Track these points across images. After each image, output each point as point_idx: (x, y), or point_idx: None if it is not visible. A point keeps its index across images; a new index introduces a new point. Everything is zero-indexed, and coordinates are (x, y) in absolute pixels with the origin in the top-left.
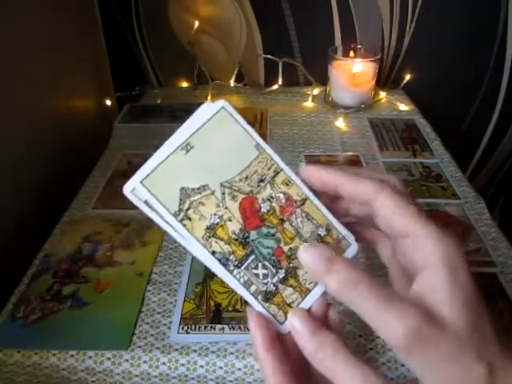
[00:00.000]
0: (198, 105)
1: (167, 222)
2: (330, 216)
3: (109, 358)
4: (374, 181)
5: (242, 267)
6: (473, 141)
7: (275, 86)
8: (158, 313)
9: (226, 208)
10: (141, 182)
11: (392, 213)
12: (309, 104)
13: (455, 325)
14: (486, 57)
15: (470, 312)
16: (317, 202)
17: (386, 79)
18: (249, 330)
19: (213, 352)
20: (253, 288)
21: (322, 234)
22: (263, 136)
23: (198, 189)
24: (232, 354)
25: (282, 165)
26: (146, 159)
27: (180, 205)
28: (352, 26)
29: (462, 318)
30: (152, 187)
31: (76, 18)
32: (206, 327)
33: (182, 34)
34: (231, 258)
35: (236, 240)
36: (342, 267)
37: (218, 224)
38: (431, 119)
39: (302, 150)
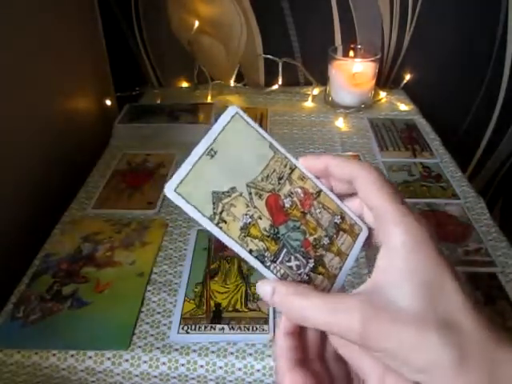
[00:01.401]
0: (199, 105)
1: (206, 227)
2: (341, 205)
3: (109, 358)
4: (358, 162)
5: (277, 261)
6: (473, 141)
7: (275, 86)
8: (158, 313)
9: (255, 207)
10: (175, 190)
11: (369, 189)
12: (309, 104)
13: (408, 310)
14: (486, 57)
15: (425, 295)
16: (329, 192)
17: (385, 79)
18: (248, 330)
19: (213, 352)
20: (289, 280)
21: (338, 222)
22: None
23: (228, 192)
24: (232, 354)
25: (294, 161)
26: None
27: (214, 208)
28: (352, 26)
29: (415, 301)
30: (186, 194)
31: (76, 17)
32: (206, 327)
33: (181, 34)
34: (266, 254)
35: (268, 236)
36: (279, 296)
37: (250, 223)
38: (431, 119)
39: (302, 149)
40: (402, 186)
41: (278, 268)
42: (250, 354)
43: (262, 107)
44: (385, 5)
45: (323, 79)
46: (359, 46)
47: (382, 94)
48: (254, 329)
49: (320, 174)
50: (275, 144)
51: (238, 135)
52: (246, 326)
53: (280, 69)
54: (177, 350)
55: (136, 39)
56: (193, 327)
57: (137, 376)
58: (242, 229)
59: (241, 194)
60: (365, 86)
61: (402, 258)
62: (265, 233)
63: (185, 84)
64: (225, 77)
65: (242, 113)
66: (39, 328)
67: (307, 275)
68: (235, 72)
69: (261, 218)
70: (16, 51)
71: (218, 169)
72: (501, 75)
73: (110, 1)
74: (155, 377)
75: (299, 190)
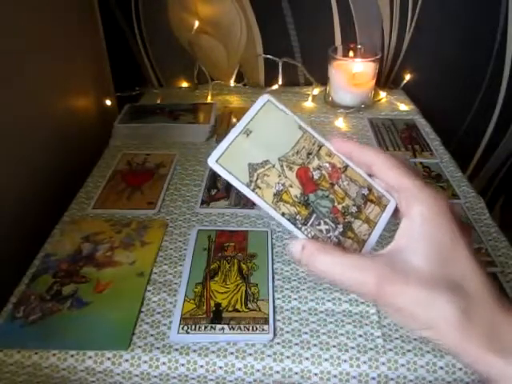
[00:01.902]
0: (199, 105)
1: (243, 192)
2: (368, 178)
3: (109, 358)
4: (376, 149)
5: (308, 224)
6: (473, 141)
7: (275, 86)
8: (158, 313)
9: (286, 177)
10: (216, 161)
11: (387, 172)
12: (309, 104)
13: (421, 271)
14: (486, 57)
15: (438, 258)
16: (355, 167)
17: (385, 79)
18: (248, 330)
19: (213, 352)
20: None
21: (366, 193)
22: None
23: (261, 163)
24: (232, 353)
25: (322, 140)
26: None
27: (250, 177)
28: (352, 26)
29: (428, 263)
30: (226, 165)
31: (76, 17)
32: (206, 327)
33: (181, 34)
34: (298, 217)
35: (299, 202)
36: (308, 251)
37: (282, 190)
38: (431, 119)
39: None
40: None
41: (308, 230)
42: (250, 354)
43: None
44: (385, 5)
45: (323, 79)
46: (359, 46)
47: (382, 94)
48: (254, 329)
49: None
50: (304, 125)
51: (270, 118)
52: (246, 325)
53: (280, 69)
54: (177, 349)
55: (136, 39)
56: (193, 327)
57: (137, 376)
58: (275, 195)
59: (273, 166)
60: (365, 86)
61: (419, 225)
62: (296, 199)
63: (185, 84)
64: (225, 77)
65: (273, 100)
66: (39, 328)
67: (337, 238)
68: (235, 72)
69: (292, 187)
70: (16, 51)
71: (252, 145)
72: (501, 75)
73: (110, 1)
74: (155, 377)
75: (327, 165)
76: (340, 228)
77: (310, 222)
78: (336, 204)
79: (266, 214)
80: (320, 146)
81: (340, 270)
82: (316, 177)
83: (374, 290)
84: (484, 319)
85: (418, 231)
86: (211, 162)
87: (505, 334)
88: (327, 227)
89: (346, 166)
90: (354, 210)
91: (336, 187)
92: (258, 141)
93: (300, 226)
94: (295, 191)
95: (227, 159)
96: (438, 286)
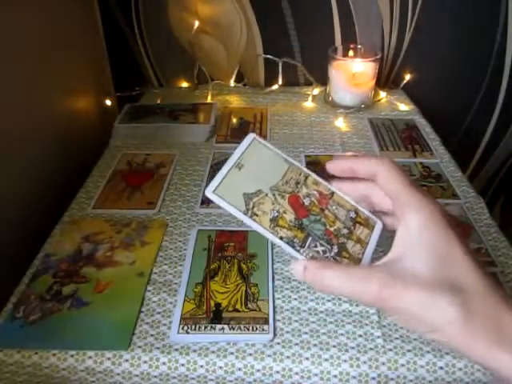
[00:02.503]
0: (199, 105)
1: (241, 219)
2: (354, 203)
3: (109, 358)
4: (376, 159)
5: (306, 246)
6: (473, 141)
7: (275, 86)
8: (158, 313)
9: (280, 204)
10: (213, 191)
11: (387, 180)
12: (309, 104)
13: (420, 276)
14: (486, 57)
15: (436, 262)
16: (341, 193)
17: (385, 79)
18: (248, 330)
19: (213, 352)
20: None
21: (354, 216)
22: (263, 136)
23: (255, 193)
24: (232, 353)
25: (307, 171)
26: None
27: (246, 205)
28: (352, 26)
29: (426, 268)
30: (223, 195)
31: (76, 17)
32: (206, 327)
33: (181, 34)
34: (295, 240)
35: (294, 226)
36: (311, 271)
37: (277, 216)
38: (431, 119)
39: (302, 150)
40: None
41: (307, 252)
42: (250, 354)
43: (262, 107)
44: (385, 5)
45: (323, 79)
46: (359, 46)
47: (382, 94)
48: (254, 329)
49: (346, 173)
50: (289, 159)
51: (258, 154)
52: (246, 325)
53: (280, 69)
54: (177, 349)
55: (136, 39)
56: (193, 327)
57: (137, 376)
58: (271, 220)
59: (266, 195)
60: (365, 85)
61: (415, 232)
62: (291, 223)
63: (185, 84)
64: (225, 77)
65: (258, 138)
66: (39, 328)
67: (334, 259)
68: (235, 72)
69: (286, 213)
70: (16, 51)
71: (245, 177)
72: (501, 75)
73: (110, 1)
74: (155, 377)
75: (315, 192)
76: (335, 249)
77: (307, 244)
78: (328, 227)
79: (265, 238)
80: (306, 176)
81: (342, 282)
82: (307, 203)
83: (376, 297)
84: (487, 316)
85: (414, 238)
86: (209, 192)
87: (509, 329)
88: (323, 248)
89: (333, 193)
90: (345, 231)
91: (326, 212)
92: (250, 173)
93: (298, 248)
94: (289, 216)
95: (223, 190)
96: (438, 288)
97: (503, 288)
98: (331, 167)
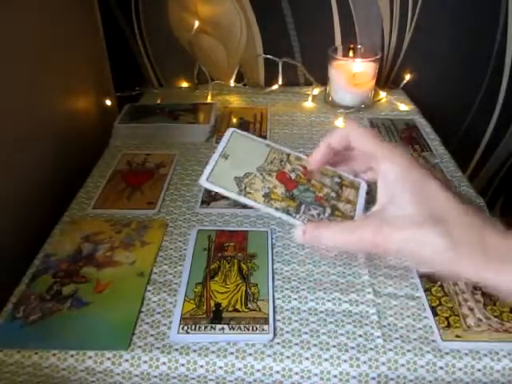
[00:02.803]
0: (199, 105)
1: (237, 200)
2: (335, 170)
3: (109, 358)
4: (342, 128)
5: (301, 212)
6: (473, 141)
7: (275, 86)
8: (158, 313)
9: (269, 181)
10: (207, 180)
11: (362, 141)
12: (309, 104)
13: (408, 216)
14: (486, 57)
15: (419, 203)
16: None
17: (385, 79)
18: (248, 330)
19: (213, 352)
20: None
21: (339, 181)
22: (263, 136)
23: (245, 175)
24: (232, 353)
25: (288, 150)
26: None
27: (239, 187)
28: (352, 26)
29: (410, 208)
30: (216, 182)
31: (76, 17)
32: (206, 327)
33: (181, 34)
34: (290, 209)
35: (286, 197)
36: (309, 232)
37: (269, 192)
38: (431, 119)
39: (302, 150)
40: None
41: (302, 217)
42: (250, 354)
43: (262, 107)
44: (385, 5)
45: (323, 79)
46: (359, 46)
47: (382, 94)
48: (254, 329)
49: (328, 156)
50: (270, 143)
51: (240, 143)
52: (246, 325)
53: (280, 69)
54: (177, 349)
55: (136, 39)
56: (193, 327)
57: (137, 376)
58: (264, 196)
59: (255, 176)
60: (365, 85)
61: (394, 180)
62: (283, 195)
63: (185, 84)
64: (225, 77)
65: (238, 130)
66: (39, 328)
67: (328, 219)
68: (235, 72)
69: (276, 188)
70: (16, 51)
71: (232, 164)
72: (501, 75)
73: (110, 1)
74: (155, 377)
75: (299, 167)
76: (328, 210)
77: (302, 210)
78: (317, 193)
79: (265, 214)
80: (288, 155)
81: (339, 237)
82: (293, 177)
83: (371, 243)
84: (471, 240)
85: (394, 186)
86: (202, 181)
87: (493, 248)
88: (317, 211)
89: None
90: (333, 195)
91: (313, 182)
92: (236, 161)
93: (294, 215)
94: (280, 190)
95: (215, 177)
96: (425, 224)
97: (484, 212)
98: (313, 160)
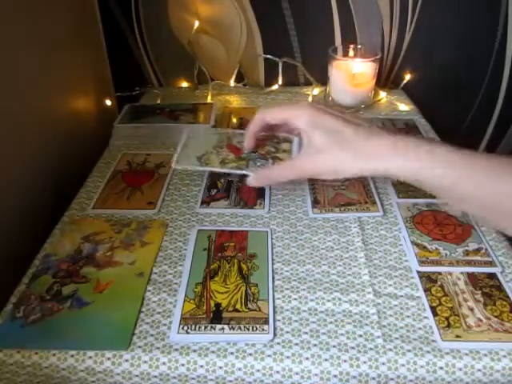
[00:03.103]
0: (199, 105)
1: (200, 170)
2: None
3: (109, 358)
4: (258, 115)
5: (249, 166)
6: (473, 141)
7: (275, 86)
8: (158, 313)
9: (222, 153)
10: (177, 163)
11: (273, 118)
12: None
13: (324, 145)
14: (486, 57)
15: (326, 134)
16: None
17: (385, 79)
18: (248, 330)
19: (213, 352)
20: None
21: (275, 141)
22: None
23: (203, 154)
24: (232, 353)
25: (232, 130)
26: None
27: (199, 162)
28: (352, 26)
29: (324, 141)
30: (183, 163)
31: (76, 17)
32: (206, 327)
33: (181, 34)
34: (241, 166)
35: (237, 160)
36: (260, 174)
37: (224, 159)
38: (431, 119)
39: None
40: (403, 185)
41: (251, 168)
42: (250, 354)
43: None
44: (385, 4)
45: (323, 79)
46: (359, 46)
47: (382, 94)
48: (254, 329)
49: (256, 133)
50: (216, 130)
51: (195, 137)
52: (246, 325)
53: (280, 69)
54: (177, 349)
55: (136, 39)
56: (193, 327)
57: (137, 376)
58: (220, 163)
59: (211, 152)
60: (365, 86)
61: (304, 128)
62: (234, 159)
63: (185, 84)
64: (225, 77)
65: (190, 134)
66: (39, 328)
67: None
68: (235, 72)
69: (228, 156)
70: (16, 51)
71: (192, 149)
72: (501, 75)
73: (110, 1)
74: (155, 377)
75: (242, 137)
76: (270, 160)
77: (250, 164)
78: (260, 152)
79: (265, 214)
80: (233, 133)
81: (284, 171)
82: (239, 146)
83: (304, 169)
84: (356, 146)
85: (307, 131)
86: (174, 165)
87: (367, 148)
88: (262, 163)
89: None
90: (273, 149)
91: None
92: (194, 147)
93: (245, 168)
94: (231, 156)
95: (182, 160)
96: (335, 146)
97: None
98: (247, 146)
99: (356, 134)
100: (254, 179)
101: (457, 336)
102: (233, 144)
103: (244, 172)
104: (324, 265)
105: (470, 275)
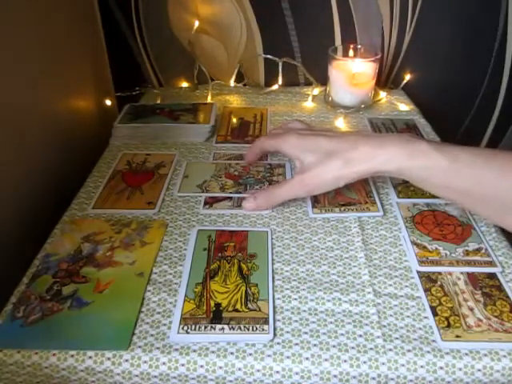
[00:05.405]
0: (199, 105)
1: (203, 196)
2: (266, 161)
3: (109, 358)
4: (255, 144)
5: (247, 190)
6: (473, 141)
7: (275, 86)
8: (158, 313)
9: (221, 180)
10: (178, 191)
11: (268, 146)
12: (309, 104)
13: (317, 162)
14: (486, 57)
15: (317, 155)
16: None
17: (385, 79)
18: (248, 330)
19: (213, 352)
20: None
21: (269, 166)
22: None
23: (203, 182)
24: (232, 353)
25: (229, 161)
26: None
27: (201, 189)
28: (352, 26)
29: (315, 158)
30: (185, 191)
31: (76, 17)
32: (206, 327)
33: (181, 34)
34: (239, 190)
35: (235, 186)
36: (260, 194)
37: (223, 186)
38: (431, 119)
39: None
40: (402, 185)
41: (250, 191)
42: (250, 354)
43: (262, 107)
44: (385, 4)
45: (323, 79)
46: (359, 46)
47: (382, 94)
48: (254, 329)
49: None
50: (213, 161)
51: (194, 166)
52: (246, 325)
53: (280, 69)
54: (177, 349)
55: (136, 39)
56: (193, 327)
57: (137, 376)
58: (220, 188)
59: (210, 180)
60: (365, 85)
61: (293, 152)
62: (232, 185)
63: (185, 84)
64: (225, 77)
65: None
66: (39, 328)
67: None
68: (235, 72)
69: (226, 183)
70: (15, 51)
71: (193, 179)
72: (501, 75)
73: (110, 1)
74: (155, 377)
75: (239, 167)
76: (266, 183)
77: (248, 188)
78: (256, 177)
79: (265, 214)
80: (229, 163)
81: (283, 191)
82: (236, 173)
83: (302, 185)
84: (343, 156)
85: (296, 153)
86: (176, 194)
87: (354, 156)
88: (259, 186)
89: (250, 164)
90: (268, 175)
91: (251, 173)
92: (194, 176)
93: (243, 192)
94: (229, 183)
95: (184, 190)
96: (325, 158)
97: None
98: (248, 164)
99: (340, 144)
100: (251, 203)
101: (457, 336)
102: (230, 172)
103: (242, 195)
104: (324, 265)
105: (470, 275)
